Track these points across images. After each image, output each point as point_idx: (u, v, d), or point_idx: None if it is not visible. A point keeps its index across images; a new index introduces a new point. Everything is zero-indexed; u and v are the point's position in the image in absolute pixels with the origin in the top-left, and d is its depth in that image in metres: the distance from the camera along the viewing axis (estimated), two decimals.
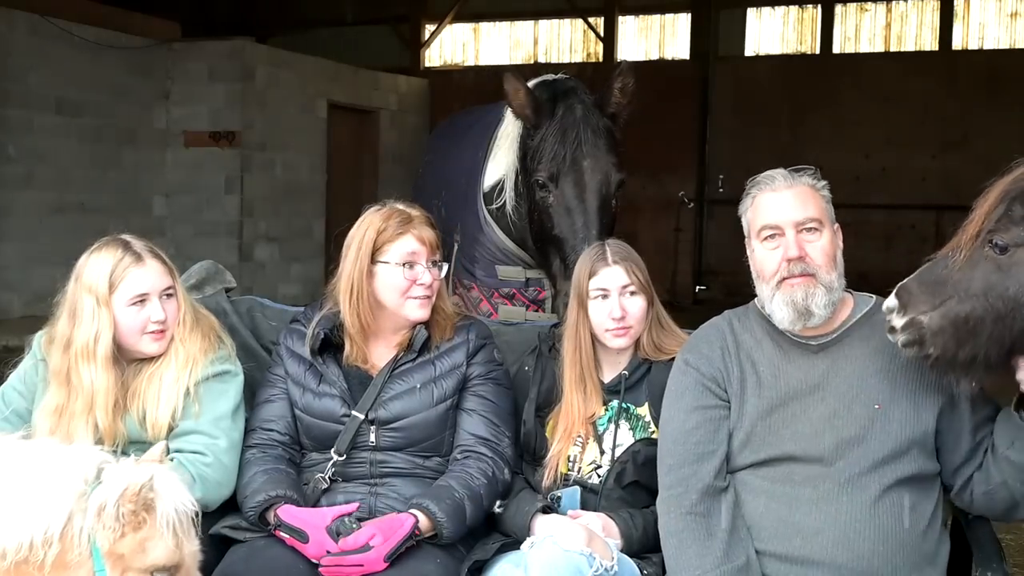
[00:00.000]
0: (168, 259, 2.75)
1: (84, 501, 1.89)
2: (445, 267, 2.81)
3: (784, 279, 2.38)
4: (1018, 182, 2.09)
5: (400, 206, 2.80)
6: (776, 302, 2.40)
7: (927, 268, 2.19)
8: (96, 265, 2.64)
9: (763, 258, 2.44)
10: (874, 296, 2.50)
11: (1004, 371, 2.16)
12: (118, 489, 1.88)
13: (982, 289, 2.08)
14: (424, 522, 2.52)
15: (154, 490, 1.91)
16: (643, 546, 2.55)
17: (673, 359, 2.70)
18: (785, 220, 2.41)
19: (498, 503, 2.67)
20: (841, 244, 2.48)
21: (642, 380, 2.75)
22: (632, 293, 2.72)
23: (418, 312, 2.75)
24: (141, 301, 2.65)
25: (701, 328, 2.65)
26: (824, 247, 2.40)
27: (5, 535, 1.84)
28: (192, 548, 2.01)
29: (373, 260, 2.74)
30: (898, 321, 2.18)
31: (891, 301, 2.21)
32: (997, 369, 2.14)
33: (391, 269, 2.72)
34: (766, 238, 2.44)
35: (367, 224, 2.77)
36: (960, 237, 2.13)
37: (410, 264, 2.72)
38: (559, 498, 2.66)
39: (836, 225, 2.48)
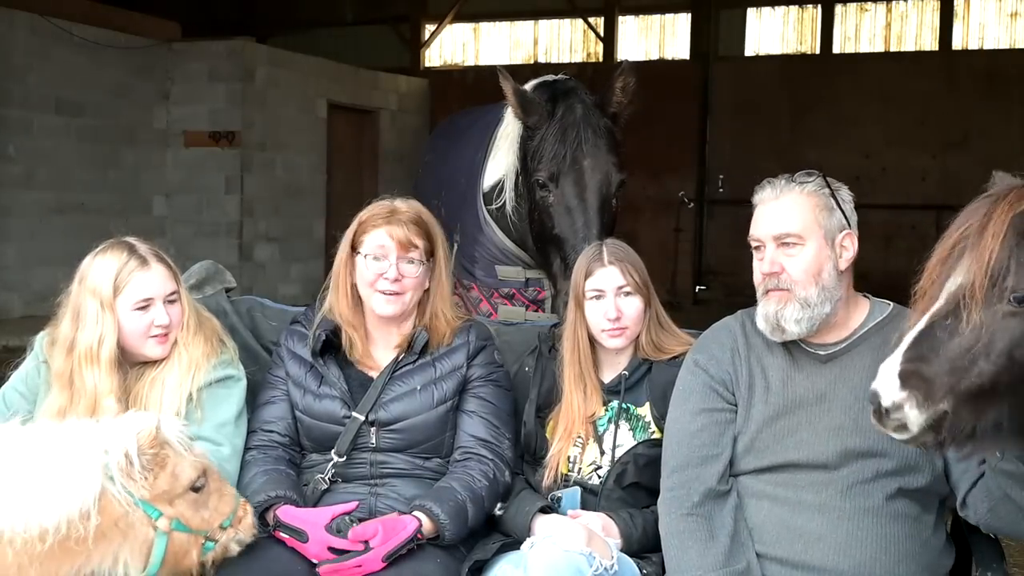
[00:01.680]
0: (173, 263, 2.75)
1: (106, 469, 2.06)
2: (419, 268, 2.73)
3: (766, 291, 2.39)
4: (1012, 226, 1.79)
5: (397, 202, 2.80)
6: (758, 313, 2.42)
7: (921, 341, 1.81)
8: (101, 268, 2.64)
9: (754, 268, 2.44)
10: (891, 303, 2.46)
11: None
12: (132, 445, 2.09)
13: (1007, 348, 1.76)
14: (427, 524, 2.52)
15: (154, 435, 2.11)
16: (643, 546, 2.55)
17: (674, 358, 2.70)
18: (764, 234, 2.40)
19: (499, 506, 2.67)
20: (848, 255, 2.39)
21: (642, 380, 2.74)
22: (628, 294, 2.71)
23: (383, 308, 2.73)
24: (145, 306, 2.64)
25: (713, 328, 2.63)
26: (805, 262, 2.34)
27: (39, 517, 1.97)
28: (201, 450, 2.31)
29: (354, 249, 2.76)
30: (917, 417, 1.78)
31: (896, 394, 1.77)
32: None
33: (362, 260, 2.74)
34: (754, 248, 2.44)
35: (360, 213, 2.79)
36: (955, 293, 1.80)
37: (378, 257, 2.72)
38: (559, 498, 2.66)
39: (845, 233, 2.38)
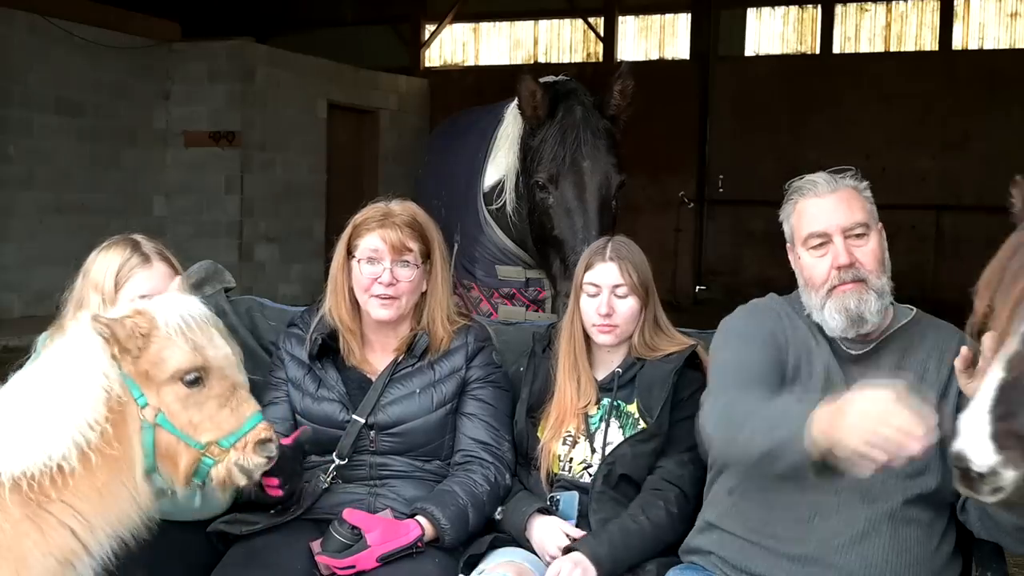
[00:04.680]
0: (177, 263, 2.74)
1: (99, 340, 2.03)
2: (414, 271, 2.70)
3: (835, 287, 2.33)
4: None
5: (392, 204, 2.77)
6: (828, 310, 2.34)
7: (1007, 394, 1.64)
8: (104, 263, 2.65)
9: (811, 266, 2.39)
10: (914, 308, 2.45)
11: None
12: (116, 318, 2.05)
13: None
14: (428, 528, 2.52)
15: (146, 310, 2.08)
16: (620, 560, 2.48)
17: (668, 355, 2.69)
18: (832, 226, 2.35)
19: (499, 510, 2.67)
20: (886, 245, 2.42)
21: (635, 377, 2.73)
22: (623, 294, 2.70)
23: (379, 312, 2.71)
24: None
25: (753, 303, 2.57)
26: (873, 251, 2.36)
27: (83, 408, 1.98)
28: (216, 351, 2.12)
29: (349, 253, 2.74)
30: (1015, 479, 1.62)
31: (991, 457, 1.61)
32: None
33: (357, 264, 2.72)
34: (814, 246, 2.38)
35: (355, 216, 2.77)
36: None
37: (372, 261, 2.69)
38: (558, 501, 2.65)
39: (879, 225, 2.43)
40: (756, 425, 2.09)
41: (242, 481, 2.12)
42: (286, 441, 2.39)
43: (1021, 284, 1.70)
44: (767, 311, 2.52)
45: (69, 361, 2.04)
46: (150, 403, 2.05)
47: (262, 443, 2.11)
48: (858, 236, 2.36)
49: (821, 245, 2.37)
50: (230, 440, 2.09)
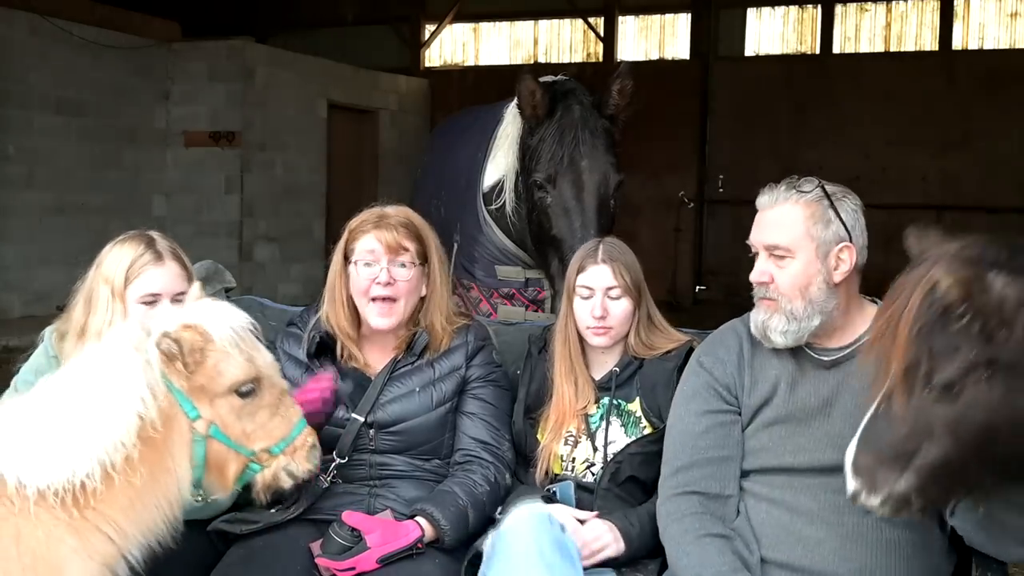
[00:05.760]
0: (189, 264, 2.75)
1: (147, 354, 2.01)
2: (411, 271, 2.69)
3: (759, 298, 2.39)
4: (920, 312, 1.82)
5: (387, 208, 2.77)
6: (751, 318, 2.42)
7: (868, 432, 1.89)
8: (117, 257, 2.66)
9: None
10: None
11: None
12: (170, 330, 2.01)
13: (945, 430, 1.80)
14: (428, 529, 2.52)
15: (200, 323, 2.03)
16: (643, 543, 2.54)
17: (666, 353, 2.72)
18: (757, 242, 2.39)
19: (499, 510, 2.67)
20: (844, 268, 2.33)
21: (634, 376, 2.74)
22: (616, 296, 2.71)
23: (378, 320, 2.70)
24: (152, 301, 2.64)
25: (720, 329, 2.61)
26: (792, 275, 2.32)
27: (116, 429, 1.93)
28: (266, 359, 2.15)
29: (346, 259, 2.74)
30: (873, 501, 1.88)
31: (852, 484, 1.90)
32: (1005, 481, 1.90)
33: (354, 268, 2.71)
34: (752, 255, 2.42)
35: (350, 222, 2.77)
36: (887, 383, 1.86)
37: (368, 263, 2.69)
38: (554, 492, 2.65)
39: (841, 246, 2.33)
40: (677, 557, 2.36)
41: (288, 484, 2.17)
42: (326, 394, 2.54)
43: (897, 326, 1.85)
44: (723, 344, 2.54)
45: (111, 375, 2.00)
46: (203, 416, 2.05)
47: (311, 448, 2.16)
48: (780, 257, 2.34)
49: (756, 256, 2.40)
50: (280, 447, 2.12)
